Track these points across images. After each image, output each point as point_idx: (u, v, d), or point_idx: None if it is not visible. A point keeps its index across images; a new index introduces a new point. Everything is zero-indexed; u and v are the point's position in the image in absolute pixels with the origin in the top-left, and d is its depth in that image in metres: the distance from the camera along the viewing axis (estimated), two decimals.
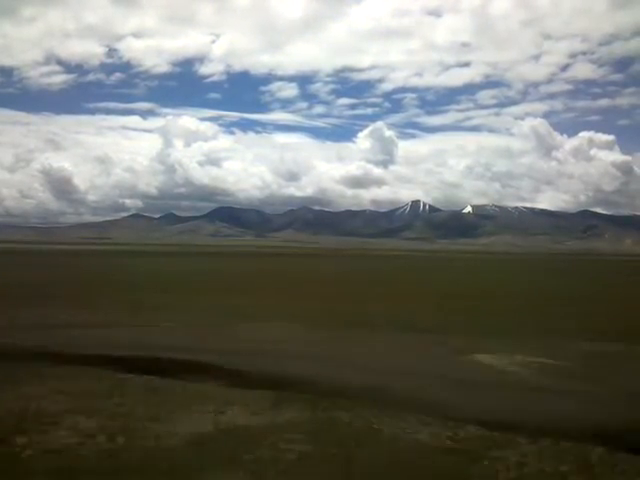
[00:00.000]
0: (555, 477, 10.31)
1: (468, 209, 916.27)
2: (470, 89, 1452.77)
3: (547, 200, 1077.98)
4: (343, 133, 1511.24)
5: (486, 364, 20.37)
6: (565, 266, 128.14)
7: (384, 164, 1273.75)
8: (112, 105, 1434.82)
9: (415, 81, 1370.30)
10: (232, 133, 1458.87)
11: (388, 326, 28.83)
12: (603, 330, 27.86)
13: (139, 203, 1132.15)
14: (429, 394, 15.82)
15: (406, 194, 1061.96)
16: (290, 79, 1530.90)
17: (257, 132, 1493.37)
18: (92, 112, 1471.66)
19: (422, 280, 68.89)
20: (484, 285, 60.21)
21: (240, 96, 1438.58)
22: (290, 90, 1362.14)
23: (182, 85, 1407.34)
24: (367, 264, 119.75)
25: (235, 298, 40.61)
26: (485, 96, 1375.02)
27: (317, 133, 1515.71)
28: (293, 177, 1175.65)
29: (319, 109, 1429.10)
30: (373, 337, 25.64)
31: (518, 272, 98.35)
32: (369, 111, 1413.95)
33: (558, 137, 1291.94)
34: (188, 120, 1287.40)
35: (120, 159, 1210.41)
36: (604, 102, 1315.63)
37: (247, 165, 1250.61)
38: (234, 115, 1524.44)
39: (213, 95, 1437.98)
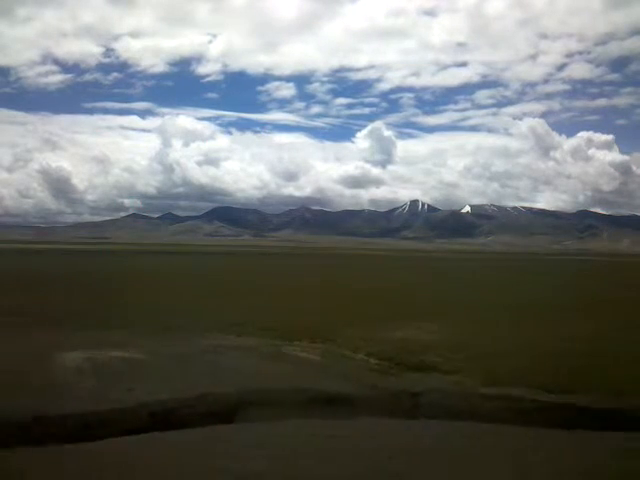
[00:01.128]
0: None
1: (467, 209, 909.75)
2: (467, 89, 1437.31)
3: (545, 200, 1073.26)
4: (341, 133, 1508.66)
5: (57, 359, 17.64)
6: (522, 266, 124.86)
7: (382, 164, 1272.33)
8: (110, 105, 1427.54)
9: (412, 81, 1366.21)
10: (230, 133, 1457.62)
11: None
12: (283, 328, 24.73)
13: (138, 203, 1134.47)
14: None
15: (405, 194, 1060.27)
16: (287, 79, 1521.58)
17: (255, 132, 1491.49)
18: (90, 112, 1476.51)
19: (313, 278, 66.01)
20: (366, 283, 57.29)
21: (237, 96, 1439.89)
22: (287, 90, 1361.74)
23: (179, 85, 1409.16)
24: (315, 261, 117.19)
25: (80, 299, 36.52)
26: (482, 96, 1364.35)
27: (315, 133, 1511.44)
28: (291, 177, 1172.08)
29: (317, 109, 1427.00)
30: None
31: (449, 272, 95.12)
32: (367, 111, 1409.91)
33: (556, 137, 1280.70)
34: (186, 120, 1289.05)
35: (118, 159, 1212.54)
36: (602, 102, 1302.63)
37: (245, 165, 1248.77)
38: (232, 115, 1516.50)
39: (210, 95, 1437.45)
